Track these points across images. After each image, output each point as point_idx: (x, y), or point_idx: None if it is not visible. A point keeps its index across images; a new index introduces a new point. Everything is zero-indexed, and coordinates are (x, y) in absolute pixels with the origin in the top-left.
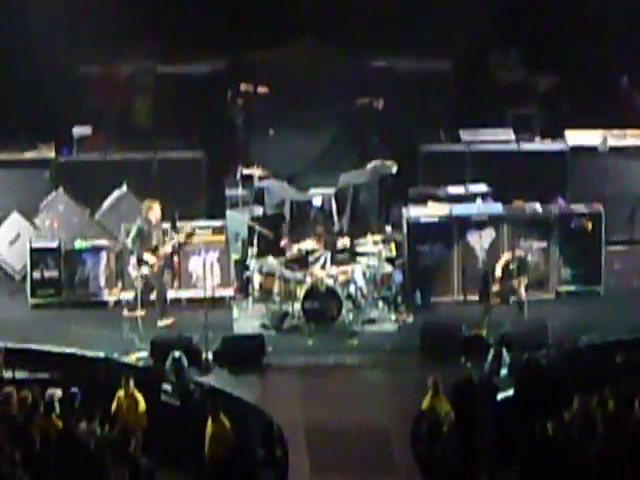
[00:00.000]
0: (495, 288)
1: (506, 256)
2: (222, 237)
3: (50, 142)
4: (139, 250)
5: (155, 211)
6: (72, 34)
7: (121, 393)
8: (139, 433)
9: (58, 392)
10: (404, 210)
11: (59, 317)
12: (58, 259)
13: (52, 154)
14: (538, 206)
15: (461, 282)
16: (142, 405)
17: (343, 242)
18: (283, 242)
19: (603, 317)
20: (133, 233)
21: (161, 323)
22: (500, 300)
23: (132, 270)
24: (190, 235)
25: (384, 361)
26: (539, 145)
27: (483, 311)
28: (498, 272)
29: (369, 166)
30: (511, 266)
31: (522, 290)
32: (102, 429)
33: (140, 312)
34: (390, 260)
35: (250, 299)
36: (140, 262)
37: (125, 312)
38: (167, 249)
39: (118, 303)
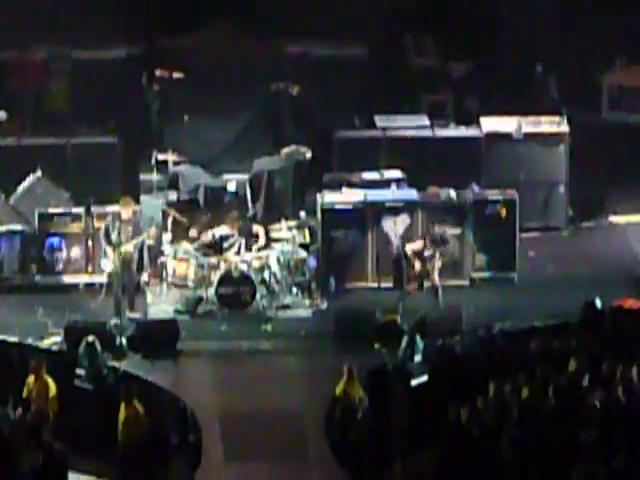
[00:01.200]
0: (417, 267)
1: (419, 243)
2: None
3: None
4: (110, 245)
5: (128, 209)
6: None
7: (31, 378)
8: (51, 418)
9: None
10: (318, 196)
11: None
12: None
13: None
14: (452, 192)
15: (375, 268)
16: (53, 389)
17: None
18: (197, 228)
19: (517, 304)
20: (103, 228)
21: (131, 315)
22: (415, 285)
23: (104, 265)
24: (152, 235)
25: (298, 347)
26: (454, 131)
27: (398, 297)
28: (409, 252)
29: (284, 152)
30: (425, 252)
31: (435, 275)
32: (14, 414)
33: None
34: (304, 246)
35: (164, 284)
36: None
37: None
38: (129, 247)
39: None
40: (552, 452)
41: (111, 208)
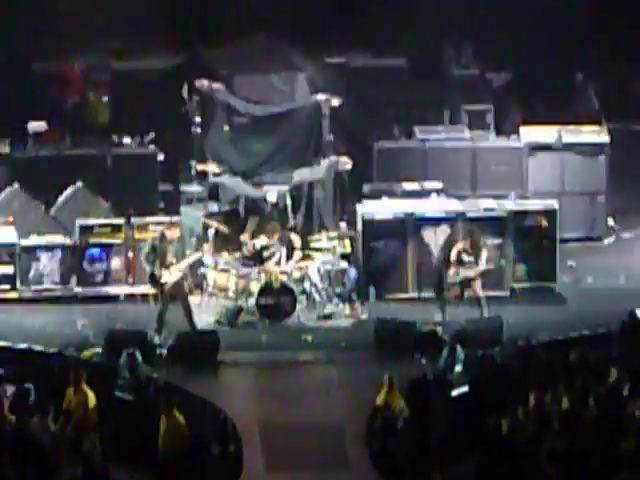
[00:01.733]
0: (450, 272)
1: (461, 244)
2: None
3: (4, 138)
4: (152, 266)
5: (174, 230)
6: (28, 31)
7: (71, 389)
8: (91, 429)
9: (10, 388)
10: (358, 207)
11: (13, 313)
12: (13, 255)
13: (7, 150)
14: (493, 203)
15: (416, 279)
16: (93, 400)
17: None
18: (239, 238)
19: (557, 314)
20: (146, 249)
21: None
22: (457, 294)
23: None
24: (203, 252)
25: (338, 357)
26: (494, 142)
27: (439, 307)
28: (453, 256)
29: (324, 163)
30: (465, 257)
31: (477, 285)
32: (55, 425)
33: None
34: (345, 256)
35: (205, 295)
36: (153, 278)
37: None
38: (182, 266)
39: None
40: (592, 462)
41: (150, 219)
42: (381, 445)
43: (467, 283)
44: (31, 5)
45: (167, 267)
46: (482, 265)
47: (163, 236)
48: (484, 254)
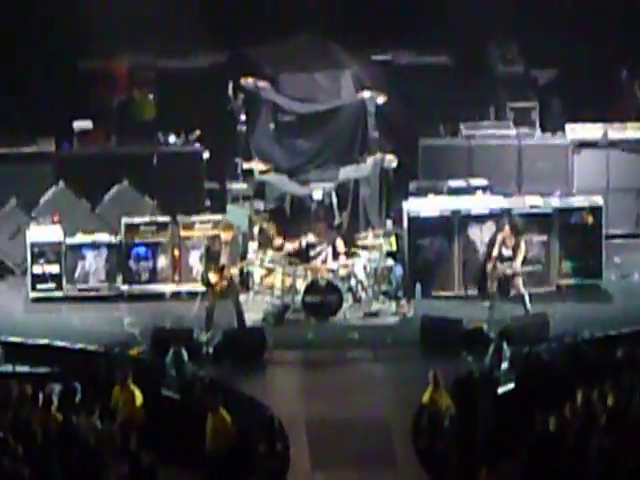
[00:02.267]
0: (490, 267)
1: (501, 235)
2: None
3: (50, 136)
4: (204, 268)
5: (228, 232)
6: (74, 30)
7: (117, 387)
8: (138, 427)
9: (57, 386)
10: (404, 204)
11: (59, 311)
12: (58, 253)
13: (52, 148)
14: (539, 199)
15: (462, 276)
16: (139, 399)
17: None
18: (285, 236)
19: (603, 310)
20: (202, 251)
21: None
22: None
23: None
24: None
25: (385, 355)
26: (539, 139)
27: (489, 305)
28: (495, 251)
29: (369, 160)
30: (505, 251)
31: (519, 282)
32: (102, 424)
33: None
34: (391, 254)
35: (251, 293)
36: (203, 281)
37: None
38: (233, 270)
39: (118, 297)
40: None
41: (196, 217)
42: (427, 443)
43: (509, 280)
44: (77, 4)
45: (220, 270)
46: (519, 263)
47: (218, 238)
48: (522, 249)
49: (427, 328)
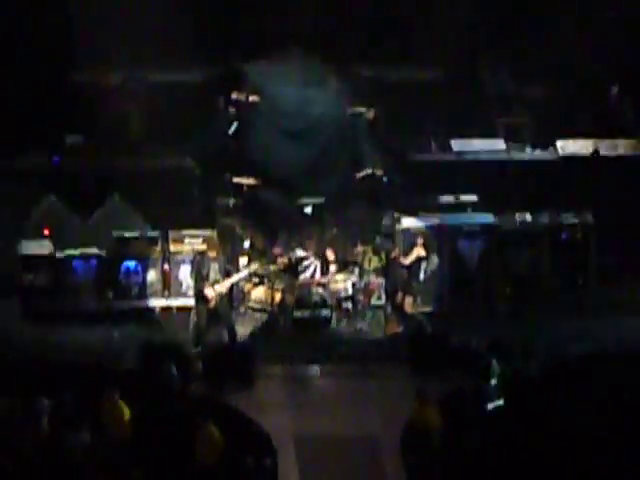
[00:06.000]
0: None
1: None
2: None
3: (42, 150)
4: (196, 283)
5: (212, 247)
6: (65, 44)
7: (106, 402)
8: (125, 442)
9: (46, 401)
10: (394, 219)
11: (49, 324)
12: (49, 267)
13: (44, 162)
14: (528, 216)
15: (448, 291)
16: (127, 414)
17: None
18: (274, 250)
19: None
20: (192, 267)
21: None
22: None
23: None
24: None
25: (373, 370)
26: (530, 155)
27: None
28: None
29: (359, 175)
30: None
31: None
32: (91, 438)
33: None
34: (381, 269)
35: (241, 308)
36: (197, 296)
37: None
38: (226, 285)
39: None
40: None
41: (186, 232)
42: (415, 459)
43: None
44: (68, 18)
45: (212, 284)
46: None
47: (205, 256)
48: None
49: (416, 344)
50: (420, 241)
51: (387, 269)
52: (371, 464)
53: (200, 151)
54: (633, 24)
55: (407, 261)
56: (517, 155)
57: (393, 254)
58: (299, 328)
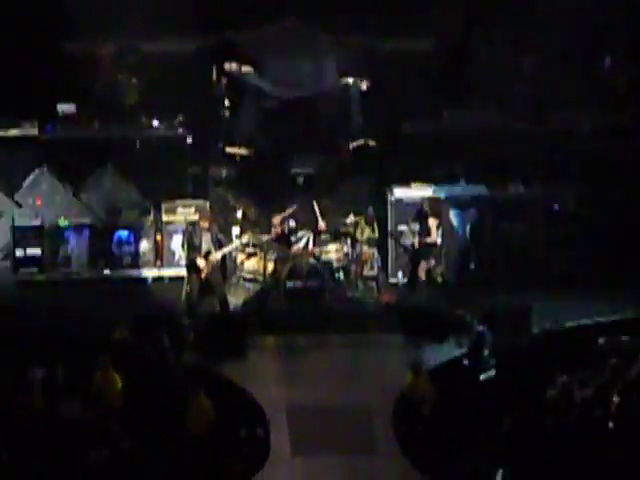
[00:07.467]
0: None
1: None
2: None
3: (34, 120)
4: (188, 254)
5: (205, 219)
6: (58, 13)
7: (98, 372)
8: (118, 411)
9: (40, 370)
10: (387, 190)
11: (42, 295)
12: (41, 237)
13: (36, 132)
14: (521, 188)
15: (445, 262)
16: (119, 383)
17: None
18: (274, 220)
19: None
20: (184, 238)
21: None
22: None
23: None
24: (244, 246)
25: (366, 341)
26: (523, 126)
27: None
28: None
29: (352, 146)
30: None
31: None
32: (83, 408)
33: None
34: (373, 240)
35: (233, 278)
36: (188, 267)
37: None
38: (218, 256)
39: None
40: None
41: (179, 202)
42: (408, 430)
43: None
44: None
45: (205, 256)
46: None
47: (197, 226)
48: None
49: (409, 314)
50: (428, 210)
51: (379, 239)
52: (364, 434)
53: (193, 121)
54: None
55: (435, 237)
56: (510, 127)
57: (417, 239)
58: (292, 298)
